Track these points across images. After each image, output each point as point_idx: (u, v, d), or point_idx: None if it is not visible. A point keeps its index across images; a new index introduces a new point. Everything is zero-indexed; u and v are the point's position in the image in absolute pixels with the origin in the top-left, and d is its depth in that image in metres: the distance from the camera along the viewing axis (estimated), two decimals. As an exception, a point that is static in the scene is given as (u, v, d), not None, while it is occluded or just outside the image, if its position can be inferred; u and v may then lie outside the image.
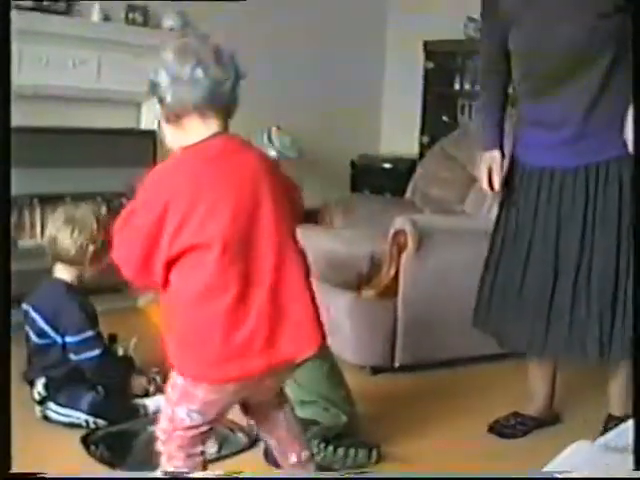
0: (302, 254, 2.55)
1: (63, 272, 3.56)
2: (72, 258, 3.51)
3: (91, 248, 3.49)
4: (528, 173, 3.42)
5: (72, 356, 3.49)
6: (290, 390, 3.24)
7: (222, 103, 2.46)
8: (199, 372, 2.40)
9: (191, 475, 2.52)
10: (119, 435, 3.29)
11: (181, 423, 2.46)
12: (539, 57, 3.28)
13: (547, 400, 3.71)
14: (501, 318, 3.53)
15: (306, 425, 3.17)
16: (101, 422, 3.41)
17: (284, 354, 2.42)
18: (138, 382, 3.64)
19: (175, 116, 2.43)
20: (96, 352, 3.49)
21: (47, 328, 3.51)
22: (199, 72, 2.38)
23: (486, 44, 3.56)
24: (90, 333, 3.49)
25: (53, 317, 3.50)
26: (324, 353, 3.37)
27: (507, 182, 3.52)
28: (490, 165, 3.51)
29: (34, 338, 3.56)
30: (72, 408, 3.44)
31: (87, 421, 3.42)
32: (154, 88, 2.43)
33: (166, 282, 2.40)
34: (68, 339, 3.48)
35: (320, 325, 2.53)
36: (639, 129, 2.97)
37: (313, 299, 2.52)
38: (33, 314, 3.54)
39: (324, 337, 2.54)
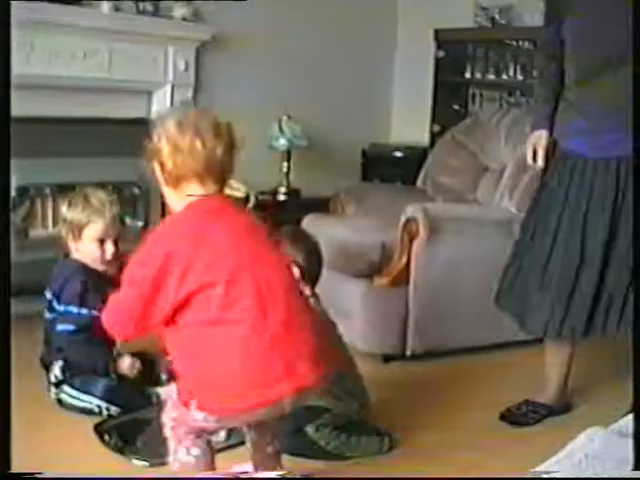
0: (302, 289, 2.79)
1: (78, 254, 3.57)
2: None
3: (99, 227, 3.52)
4: (563, 158, 3.53)
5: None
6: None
7: (218, 171, 2.61)
8: (222, 406, 2.47)
9: (194, 475, 2.60)
10: (132, 424, 3.29)
11: (194, 422, 2.52)
12: (585, 48, 3.40)
13: (560, 388, 3.72)
14: (523, 299, 3.61)
15: (318, 413, 3.19)
16: (114, 409, 3.42)
17: (303, 380, 2.51)
18: (122, 363, 3.58)
19: (174, 180, 2.59)
20: (69, 327, 3.50)
21: (53, 299, 3.55)
22: (198, 143, 2.54)
23: (546, 30, 3.74)
24: (74, 309, 3.49)
25: (59, 288, 3.54)
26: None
27: (546, 167, 3.64)
28: (535, 143, 3.63)
29: (47, 315, 3.59)
30: (86, 393, 3.46)
31: (100, 407, 3.43)
32: (156, 154, 2.59)
33: (171, 321, 2.50)
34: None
35: (327, 352, 2.64)
36: (639, 128, 3.06)
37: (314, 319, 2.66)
38: (48, 294, 3.57)
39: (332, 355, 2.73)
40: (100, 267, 3.54)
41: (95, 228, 3.52)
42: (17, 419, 3.18)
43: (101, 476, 2.75)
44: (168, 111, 2.70)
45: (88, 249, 3.53)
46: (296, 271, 3.33)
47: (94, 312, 3.42)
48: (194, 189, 2.59)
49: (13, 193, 4.40)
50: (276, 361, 2.47)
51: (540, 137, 3.62)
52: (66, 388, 3.50)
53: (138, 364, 3.60)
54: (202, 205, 2.60)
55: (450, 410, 3.71)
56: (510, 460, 3.08)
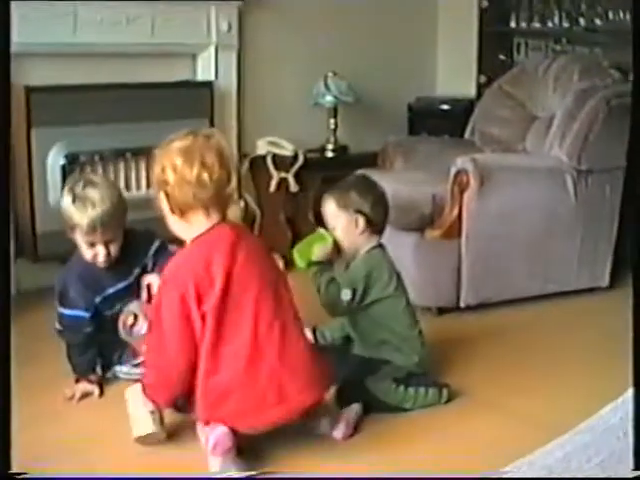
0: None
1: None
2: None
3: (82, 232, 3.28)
4: None
5: None
6: (365, 328, 3.31)
7: (224, 201, 2.79)
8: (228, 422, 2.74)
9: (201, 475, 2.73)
10: None
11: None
12: None
13: None
14: None
15: (377, 365, 3.20)
16: None
17: (295, 405, 2.75)
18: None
19: (180, 210, 2.75)
20: (56, 324, 3.42)
21: None
22: (205, 176, 2.69)
23: None
24: (57, 306, 3.39)
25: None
26: (401, 290, 3.39)
27: None
28: None
29: None
30: (139, 366, 3.35)
31: None
32: (162, 184, 2.73)
33: None
34: None
35: (321, 371, 2.87)
36: (637, 125, 3.01)
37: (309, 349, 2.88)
38: None
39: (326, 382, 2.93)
40: (100, 265, 3.34)
41: (81, 232, 3.26)
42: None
43: (100, 476, 2.73)
44: (173, 137, 2.76)
45: (83, 250, 3.32)
46: (362, 221, 3.34)
47: (73, 312, 3.37)
48: (199, 218, 2.76)
49: (63, 161, 4.42)
50: (269, 390, 2.71)
51: None
52: (118, 368, 3.46)
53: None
54: (209, 239, 2.76)
55: (506, 360, 3.72)
56: (563, 411, 3.08)
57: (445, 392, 3.26)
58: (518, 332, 4.07)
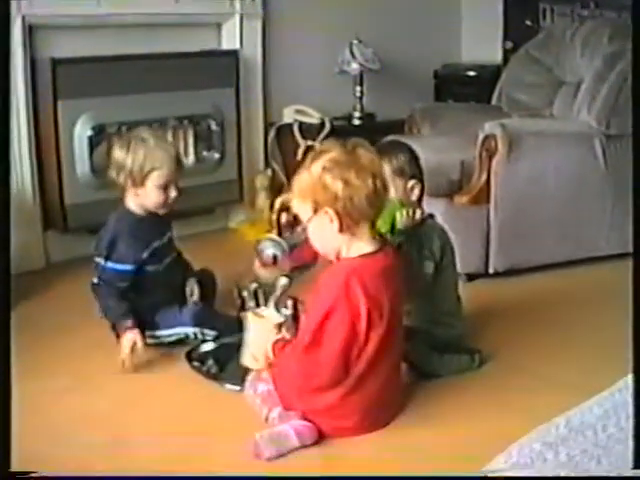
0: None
1: (137, 198, 3.42)
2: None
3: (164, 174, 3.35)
4: None
5: None
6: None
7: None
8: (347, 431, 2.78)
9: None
10: (225, 349, 3.27)
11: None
12: None
13: None
14: None
15: (416, 333, 3.16)
16: (208, 332, 3.40)
17: (398, 407, 2.94)
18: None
19: (350, 225, 2.63)
20: (94, 280, 3.41)
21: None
22: (378, 183, 2.61)
23: None
24: (98, 260, 3.39)
25: (98, 239, 3.46)
26: (454, 263, 3.38)
27: None
28: None
29: None
30: (171, 327, 3.41)
31: (195, 333, 3.40)
32: (328, 202, 2.58)
33: None
34: None
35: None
36: (638, 128, 2.97)
37: None
38: None
39: None
40: (161, 211, 3.42)
41: (159, 175, 3.33)
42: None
43: (100, 475, 2.72)
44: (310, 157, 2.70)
45: (151, 196, 3.36)
46: (418, 188, 3.31)
47: (118, 266, 3.36)
48: (365, 232, 2.67)
49: (90, 132, 4.42)
50: (389, 400, 2.85)
51: None
52: (148, 333, 3.40)
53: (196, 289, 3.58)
54: (377, 264, 2.67)
55: (535, 326, 3.72)
56: (596, 376, 3.06)
57: (477, 358, 3.27)
58: (548, 298, 4.06)
